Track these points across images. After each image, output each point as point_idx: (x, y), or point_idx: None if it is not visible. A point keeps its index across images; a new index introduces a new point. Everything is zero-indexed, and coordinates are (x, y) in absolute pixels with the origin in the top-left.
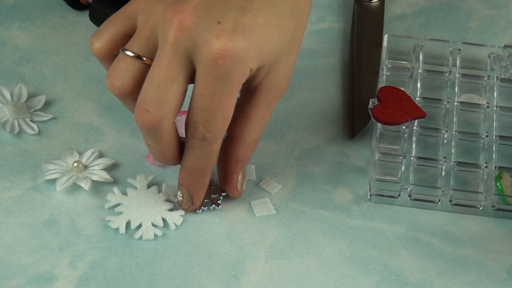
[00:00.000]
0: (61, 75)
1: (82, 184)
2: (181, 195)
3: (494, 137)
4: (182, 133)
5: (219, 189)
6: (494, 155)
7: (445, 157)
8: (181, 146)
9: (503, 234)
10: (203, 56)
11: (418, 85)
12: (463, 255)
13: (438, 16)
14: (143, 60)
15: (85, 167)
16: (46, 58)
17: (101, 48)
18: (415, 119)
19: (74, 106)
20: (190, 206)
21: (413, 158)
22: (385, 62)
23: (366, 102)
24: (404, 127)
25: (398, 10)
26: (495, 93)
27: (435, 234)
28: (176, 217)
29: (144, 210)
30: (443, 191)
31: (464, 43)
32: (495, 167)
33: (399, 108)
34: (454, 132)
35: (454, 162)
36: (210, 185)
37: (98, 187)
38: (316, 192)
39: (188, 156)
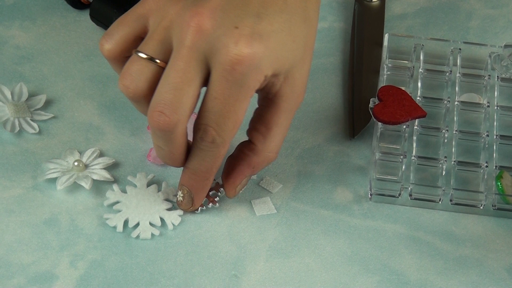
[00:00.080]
0: (62, 74)
1: (83, 183)
2: (181, 195)
3: (495, 137)
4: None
5: (216, 184)
6: (494, 155)
7: (445, 157)
8: (188, 148)
9: (503, 234)
10: (220, 60)
11: (419, 84)
12: (463, 255)
13: (438, 15)
14: (157, 62)
15: (86, 166)
16: (46, 57)
17: (111, 49)
18: (415, 118)
19: (75, 105)
20: (190, 207)
21: (413, 158)
22: (386, 62)
23: (367, 102)
24: (404, 126)
25: (399, 10)
26: (495, 93)
27: (436, 234)
28: (174, 217)
29: (143, 209)
30: (443, 190)
31: (464, 42)
32: (496, 166)
33: (399, 107)
34: (454, 132)
35: (454, 161)
36: None
37: (98, 186)
38: (316, 191)
39: (194, 158)
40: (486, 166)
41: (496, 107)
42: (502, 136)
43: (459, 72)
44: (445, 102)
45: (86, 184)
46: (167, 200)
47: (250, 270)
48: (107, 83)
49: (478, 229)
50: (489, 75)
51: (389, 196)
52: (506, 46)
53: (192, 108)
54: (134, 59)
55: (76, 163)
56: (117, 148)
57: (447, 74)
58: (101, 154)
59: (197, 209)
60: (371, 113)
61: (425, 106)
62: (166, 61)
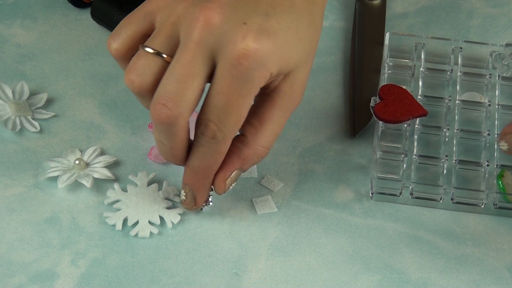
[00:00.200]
0: (63, 73)
1: (84, 182)
2: (184, 194)
3: (496, 135)
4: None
5: None
6: (495, 154)
7: (446, 155)
8: (190, 147)
9: (504, 232)
10: (227, 55)
11: (420, 83)
12: (464, 253)
13: (439, 14)
14: (164, 57)
15: (87, 164)
16: (47, 56)
17: (118, 48)
18: (416, 117)
19: (76, 104)
20: (193, 206)
21: (414, 156)
22: (387, 60)
23: (368, 100)
24: (405, 125)
25: (400, 9)
26: (496, 92)
27: (437, 232)
28: (173, 215)
29: (142, 207)
30: (444, 189)
31: (465, 41)
32: (497, 165)
33: (400, 106)
34: (455, 131)
35: (455, 160)
36: None
37: (99, 184)
38: (317, 190)
39: (195, 155)
40: (487, 165)
41: (497, 106)
42: None
43: (460, 71)
44: (446, 101)
45: (87, 183)
46: (167, 199)
47: (251, 269)
48: (108, 81)
49: (479, 228)
50: (490, 74)
51: (390, 194)
52: (507, 45)
53: (196, 102)
54: (141, 54)
55: (77, 162)
56: (118, 146)
57: (448, 73)
58: (102, 153)
59: (201, 209)
60: (372, 112)
61: (426, 105)
62: (172, 56)
